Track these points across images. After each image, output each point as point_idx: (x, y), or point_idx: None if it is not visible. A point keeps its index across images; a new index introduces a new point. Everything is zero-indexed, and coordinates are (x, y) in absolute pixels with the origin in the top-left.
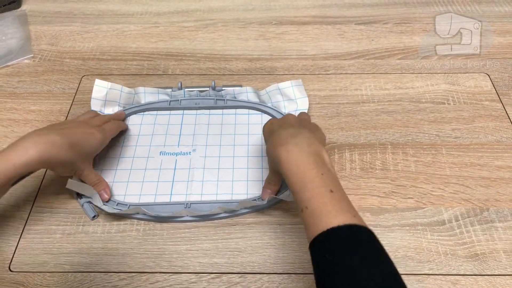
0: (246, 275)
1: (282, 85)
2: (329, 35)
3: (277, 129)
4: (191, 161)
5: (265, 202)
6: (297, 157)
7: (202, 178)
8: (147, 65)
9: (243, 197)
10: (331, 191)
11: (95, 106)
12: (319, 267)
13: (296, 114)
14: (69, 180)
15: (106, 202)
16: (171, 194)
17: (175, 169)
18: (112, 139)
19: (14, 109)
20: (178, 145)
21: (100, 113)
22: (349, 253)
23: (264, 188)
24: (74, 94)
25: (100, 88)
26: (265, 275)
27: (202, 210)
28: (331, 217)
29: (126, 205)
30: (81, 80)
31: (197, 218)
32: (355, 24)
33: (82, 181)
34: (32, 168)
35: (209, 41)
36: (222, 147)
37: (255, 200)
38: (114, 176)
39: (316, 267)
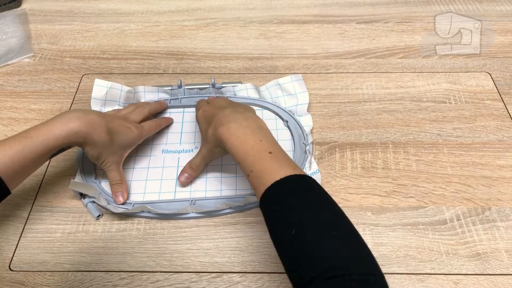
0: (247, 275)
1: (282, 80)
2: (330, 34)
3: (213, 113)
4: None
5: None
6: (237, 131)
7: (206, 175)
8: (148, 64)
9: (247, 192)
10: (270, 152)
11: (95, 105)
12: (269, 219)
13: (297, 109)
14: (72, 180)
15: (118, 204)
16: (175, 192)
17: (178, 166)
18: None
19: (14, 108)
20: (180, 143)
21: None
22: (290, 199)
23: (182, 171)
24: (74, 93)
25: (100, 88)
26: (266, 274)
27: (207, 206)
28: (274, 173)
29: (131, 203)
30: (81, 79)
31: (202, 215)
32: (356, 23)
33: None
34: (70, 141)
35: (209, 40)
36: None
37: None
38: None
39: (267, 221)
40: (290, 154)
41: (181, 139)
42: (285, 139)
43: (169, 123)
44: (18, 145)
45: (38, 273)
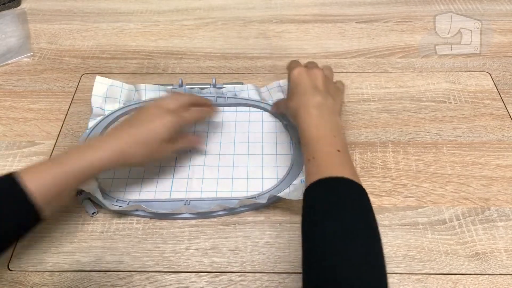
0: (246, 274)
1: (283, 82)
2: (329, 34)
3: (304, 91)
4: (191, 159)
5: (264, 201)
6: (316, 120)
7: (202, 176)
8: (147, 64)
9: (242, 194)
10: (339, 150)
11: (96, 103)
12: (307, 209)
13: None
14: None
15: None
16: (171, 191)
17: (175, 166)
18: None
19: (13, 107)
20: None
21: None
22: (338, 202)
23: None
24: (73, 93)
25: (101, 85)
26: (265, 274)
27: (201, 207)
28: (333, 169)
29: (126, 201)
30: (80, 79)
31: (196, 216)
32: (356, 22)
33: None
34: (106, 167)
35: (209, 40)
36: (222, 145)
37: (254, 198)
38: (114, 172)
39: (305, 209)
40: (288, 158)
41: None
42: (284, 142)
43: (213, 112)
44: (56, 173)
45: (37, 272)
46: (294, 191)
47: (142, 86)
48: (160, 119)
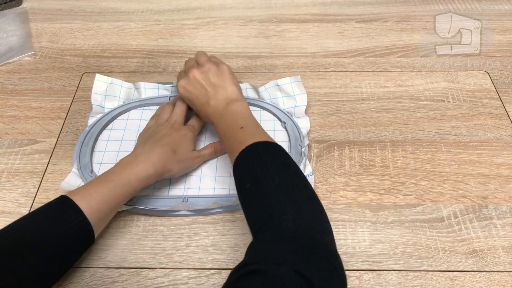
0: None
1: (281, 81)
2: (329, 33)
3: (200, 105)
4: None
5: None
6: (221, 120)
7: (200, 173)
8: (148, 63)
9: None
10: (242, 128)
11: (96, 100)
12: (236, 183)
13: (295, 111)
14: (63, 183)
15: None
16: (169, 188)
17: None
18: (112, 134)
19: (15, 106)
20: None
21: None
22: (250, 162)
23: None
24: (74, 91)
25: (101, 83)
26: None
27: (198, 205)
28: (243, 145)
29: None
30: (81, 77)
31: (193, 213)
32: (355, 22)
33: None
34: (150, 182)
35: (209, 39)
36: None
37: None
38: None
39: (236, 186)
40: None
41: None
42: (282, 140)
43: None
44: (104, 190)
45: None
46: None
47: (141, 84)
48: (182, 135)
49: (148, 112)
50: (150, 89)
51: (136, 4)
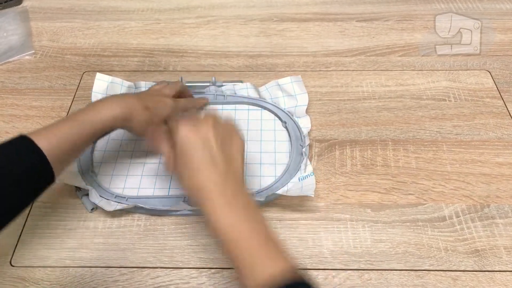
0: None
1: (281, 81)
2: (330, 32)
3: (197, 165)
4: None
5: (262, 199)
6: (225, 214)
7: None
8: (148, 62)
9: None
10: (264, 241)
11: (96, 99)
12: None
13: (296, 110)
14: (64, 175)
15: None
16: (169, 188)
17: None
18: (112, 133)
19: (15, 105)
20: None
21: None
22: None
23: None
24: (75, 90)
25: (101, 82)
26: None
27: None
28: (265, 267)
29: (125, 197)
30: (82, 76)
31: (194, 212)
32: (356, 21)
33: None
34: (115, 124)
35: (210, 38)
36: None
37: (252, 195)
38: (113, 169)
39: None
40: (287, 156)
41: None
42: (283, 140)
43: (204, 103)
44: (67, 129)
45: (39, 268)
46: (292, 188)
47: (142, 83)
48: (163, 99)
49: None
50: None
51: (136, 3)
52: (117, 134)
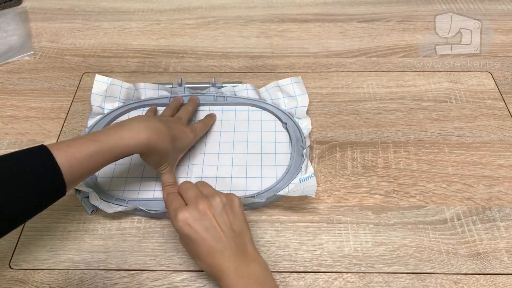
0: None
1: (282, 82)
2: (331, 33)
3: (208, 250)
4: (189, 158)
5: (263, 200)
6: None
7: (201, 175)
8: (148, 63)
9: (241, 193)
10: None
11: (95, 101)
12: None
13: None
14: None
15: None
16: None
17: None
18: None
19: (14, 106)
20: None
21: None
22: None
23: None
24: (75, 91)
25: (101, 84)
26: None
27: None
28: None
29: (125, 200)
30: (82, 77)
31: None
32: (357, 22)
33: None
34: (138, 151)
35: (210, 39)
36: (221, 144)
37: (253, 197)
38: (113, 171)
39: None
40: (287, 157)
41: None
42: (283, 141)
43: (214, 121)
44: (87, 149)
45: (38, 271)
46: (293, 189)
47: (141, 85)
48: (185, 130)
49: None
50: (150, 90)
51: (136, 3)
52: None
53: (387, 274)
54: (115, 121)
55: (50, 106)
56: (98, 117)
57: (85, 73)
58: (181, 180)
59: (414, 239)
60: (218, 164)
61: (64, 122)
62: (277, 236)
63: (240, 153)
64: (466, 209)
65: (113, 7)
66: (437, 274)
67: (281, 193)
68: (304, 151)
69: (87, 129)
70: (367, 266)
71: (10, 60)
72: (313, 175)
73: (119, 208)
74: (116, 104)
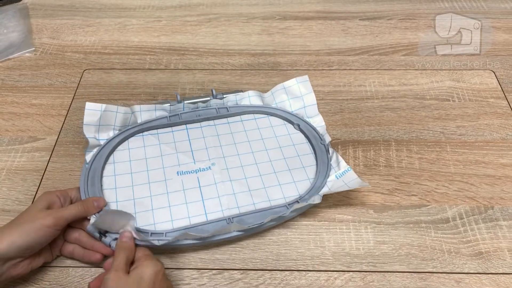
0: (248, 272)
1: (287, 83)
2: (333, 31)
3: None
4: (214, 176)
5: (319, 200)
6: None
7: (233, 191)
8: (149, 60)
9: (281, 201)
10: None
11: (88, 132)
12: None
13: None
14: (94, 218)
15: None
16: (205, 213)
17: (199, 187)
18: (117, 167)
19: (15, 102)
20: (194, 162)
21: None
22: None
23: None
24: (75, 88)
25: (93, 112)
26: (267, 271)
27: (248, 222)
28: None
29: (163, 233)
30: (82, 74)
31: (243, 232)
32: (359, 19)
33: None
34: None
35: (212, 36)
36: (241, 156)
37: (304, 200)
38: (134, 206)
39: None
40: (310, 157)
41: (193, 158)
42: (301, 142)
43: (100, 207)
44: None
45: (39, 268)
46: (333, 186)
47: (136, 107)
48: (40, 232)
49: (151, 138)
50: (146, 112)
51: (138, 0)
52: (123, 168)
53: (389, 273)
54: (115, 152)
55: (51, 102)
56: (95, 150)
57: (85, 69)
58: (209, 200)
59: (416, 238)
60: (246, 177)
61: (65, 119)
62: (278, 235)
63: (263, 162)
64: (468, 208)
65: (114, 4)
66: (439, 273)
67: (323, 191)
68: (327, 147)
69: (87, 165)
70: (368, 265)
71: (10, 57)
72: (350, 169)
73: (161, 242)
74: (111, 133)
